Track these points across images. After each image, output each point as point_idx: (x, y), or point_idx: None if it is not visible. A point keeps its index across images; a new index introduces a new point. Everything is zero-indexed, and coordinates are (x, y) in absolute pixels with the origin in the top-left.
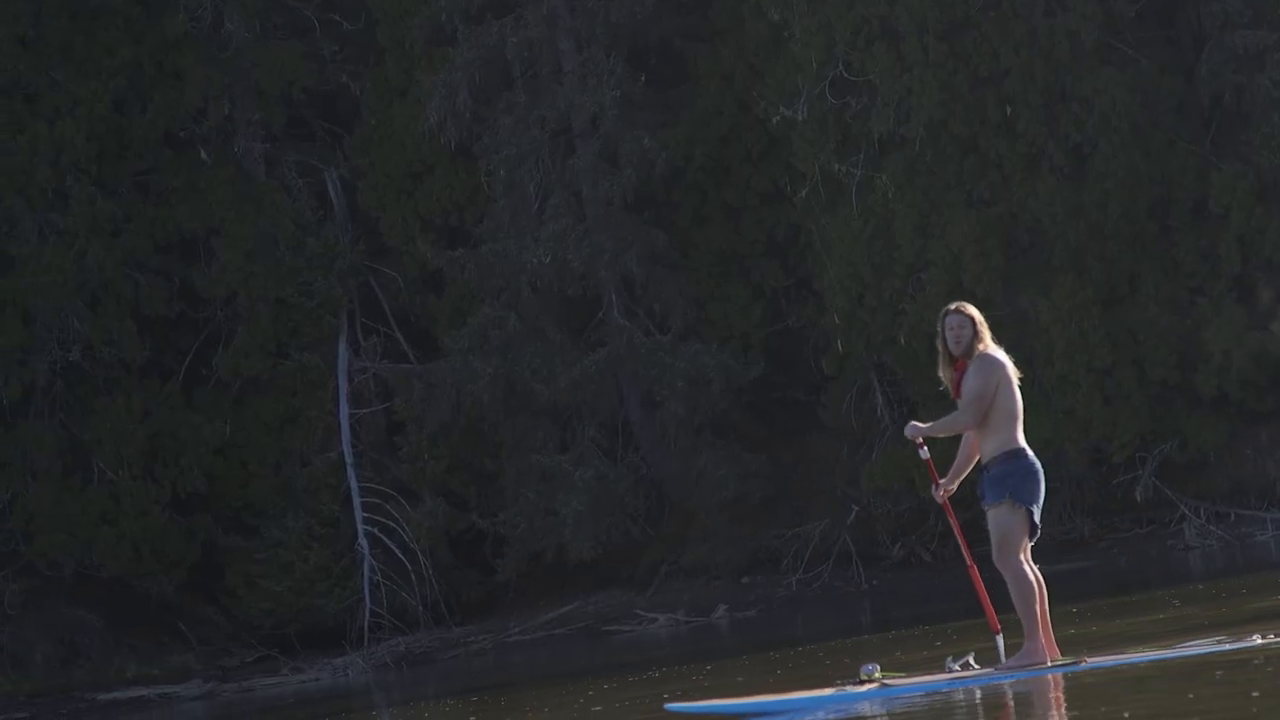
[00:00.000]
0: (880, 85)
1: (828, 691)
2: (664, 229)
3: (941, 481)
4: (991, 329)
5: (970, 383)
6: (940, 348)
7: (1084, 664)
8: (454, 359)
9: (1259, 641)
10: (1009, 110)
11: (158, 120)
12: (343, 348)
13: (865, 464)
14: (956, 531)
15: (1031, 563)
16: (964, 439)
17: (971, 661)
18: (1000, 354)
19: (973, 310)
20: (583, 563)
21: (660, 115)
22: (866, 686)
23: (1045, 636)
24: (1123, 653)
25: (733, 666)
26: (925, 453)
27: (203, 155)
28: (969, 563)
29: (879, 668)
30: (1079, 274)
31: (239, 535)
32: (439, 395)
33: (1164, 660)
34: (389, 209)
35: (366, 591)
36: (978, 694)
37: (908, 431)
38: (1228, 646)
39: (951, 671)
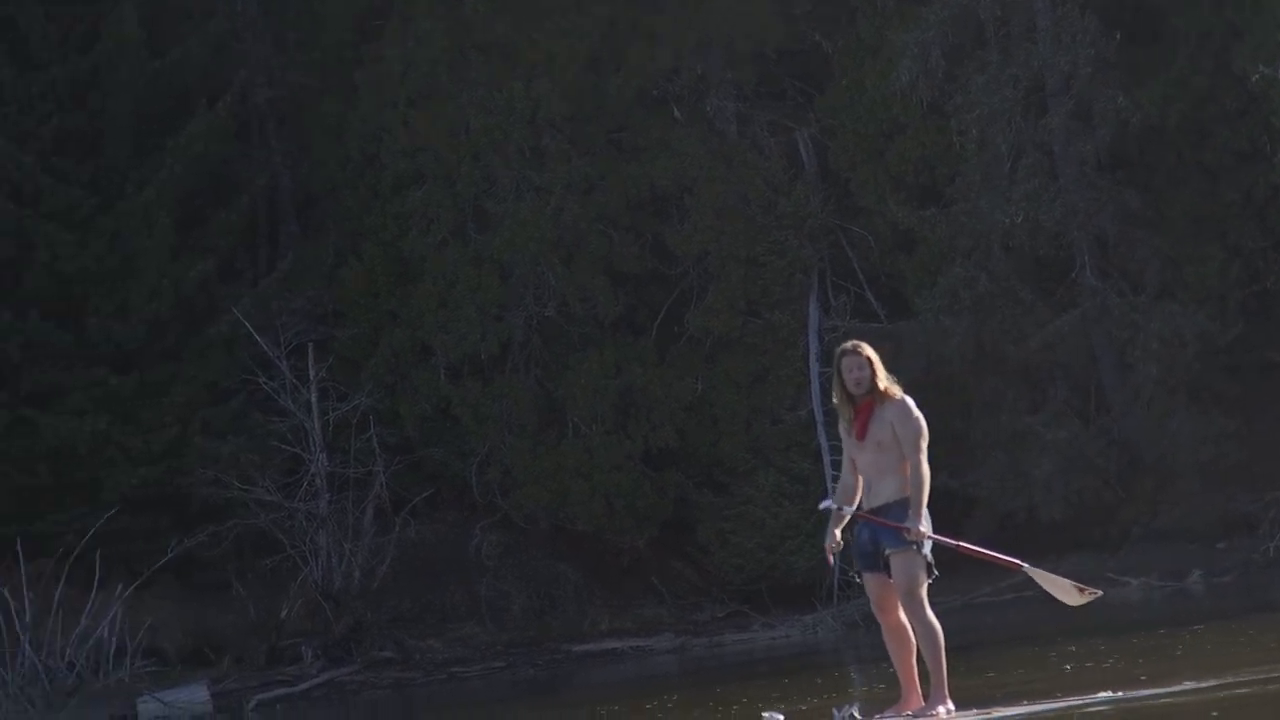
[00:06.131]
0: None
1: None
2: (1138, 189)
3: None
4: None
5: (910, 428)
6: (837, 388)
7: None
8: (924, 318)
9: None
10: None
11: (631, 79)
12: (813, 306)
13: None
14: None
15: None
16: (848, 479)
17: (856, 714)
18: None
19: (869, 350)
20: (1053, 524)
21: (1135, 74)
22: None
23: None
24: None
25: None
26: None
27: (675, 113)
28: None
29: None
30: None
31: (710, 491)
32: (909, 354)
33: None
34: (860, 168)
35: None
36: None
37: (911, 537)
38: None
39: None
